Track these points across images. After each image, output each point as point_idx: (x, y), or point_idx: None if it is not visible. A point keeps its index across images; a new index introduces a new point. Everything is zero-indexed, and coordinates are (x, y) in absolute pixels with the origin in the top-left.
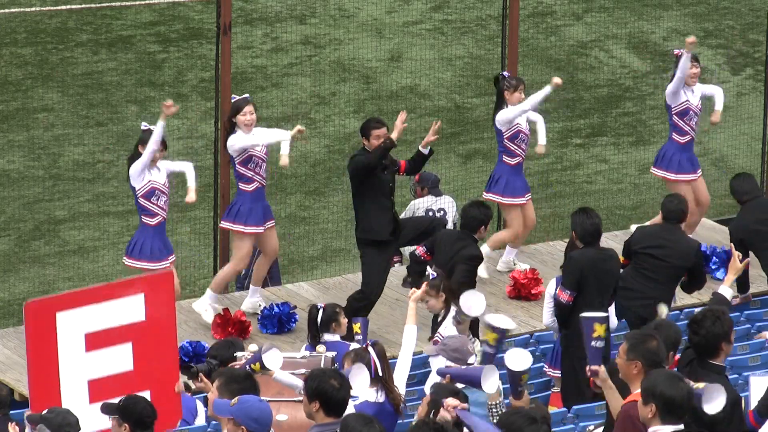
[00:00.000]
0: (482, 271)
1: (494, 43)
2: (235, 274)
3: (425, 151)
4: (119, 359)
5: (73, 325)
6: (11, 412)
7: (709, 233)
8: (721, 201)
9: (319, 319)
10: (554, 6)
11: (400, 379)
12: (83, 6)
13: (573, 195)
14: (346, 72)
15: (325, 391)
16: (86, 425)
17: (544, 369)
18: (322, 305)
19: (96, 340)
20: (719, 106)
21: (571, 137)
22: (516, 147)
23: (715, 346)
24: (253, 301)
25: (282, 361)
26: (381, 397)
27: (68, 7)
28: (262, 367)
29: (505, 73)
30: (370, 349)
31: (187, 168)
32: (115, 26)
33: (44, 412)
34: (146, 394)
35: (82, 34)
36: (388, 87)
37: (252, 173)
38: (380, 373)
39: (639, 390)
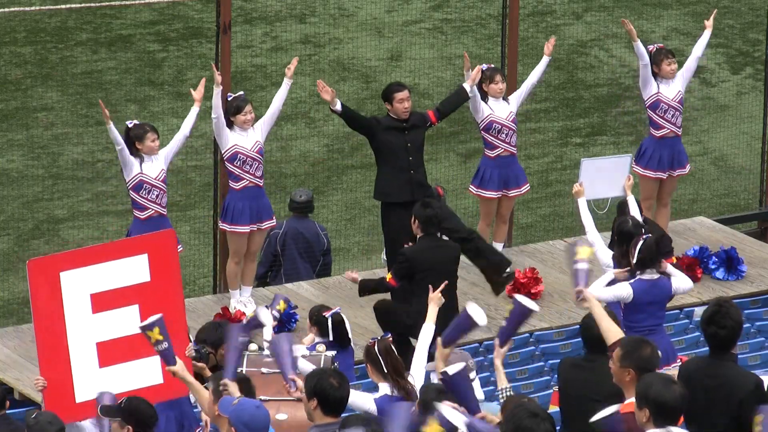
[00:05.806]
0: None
1: (494, 42)
2: (231, 267)
3: (468, 89)
4: (127, 321)
5: (77, 286)
6: (10, 411)
7: (709, 233)
8: (721, 200)
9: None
10: (554, 5)
11: (417, 372)
12: (83, 5)
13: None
14: (346, 71)
15: (323, 389)
16: (97, 389)
17: None
18: (338, 308)
19: (102, 301)
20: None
21: (570, 136)
22: (493, 138)
23: (739, 334)
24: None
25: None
26: (396, 392)
27: (68, 6)
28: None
29: (484, 66)
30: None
31: (187, 121)
32: (115, 25)
33: (31, 418)
34: (155, 359)
35: (82, 33)
36: None
37: (239, 171)
38: (384, 369)
39: (633, 398)
